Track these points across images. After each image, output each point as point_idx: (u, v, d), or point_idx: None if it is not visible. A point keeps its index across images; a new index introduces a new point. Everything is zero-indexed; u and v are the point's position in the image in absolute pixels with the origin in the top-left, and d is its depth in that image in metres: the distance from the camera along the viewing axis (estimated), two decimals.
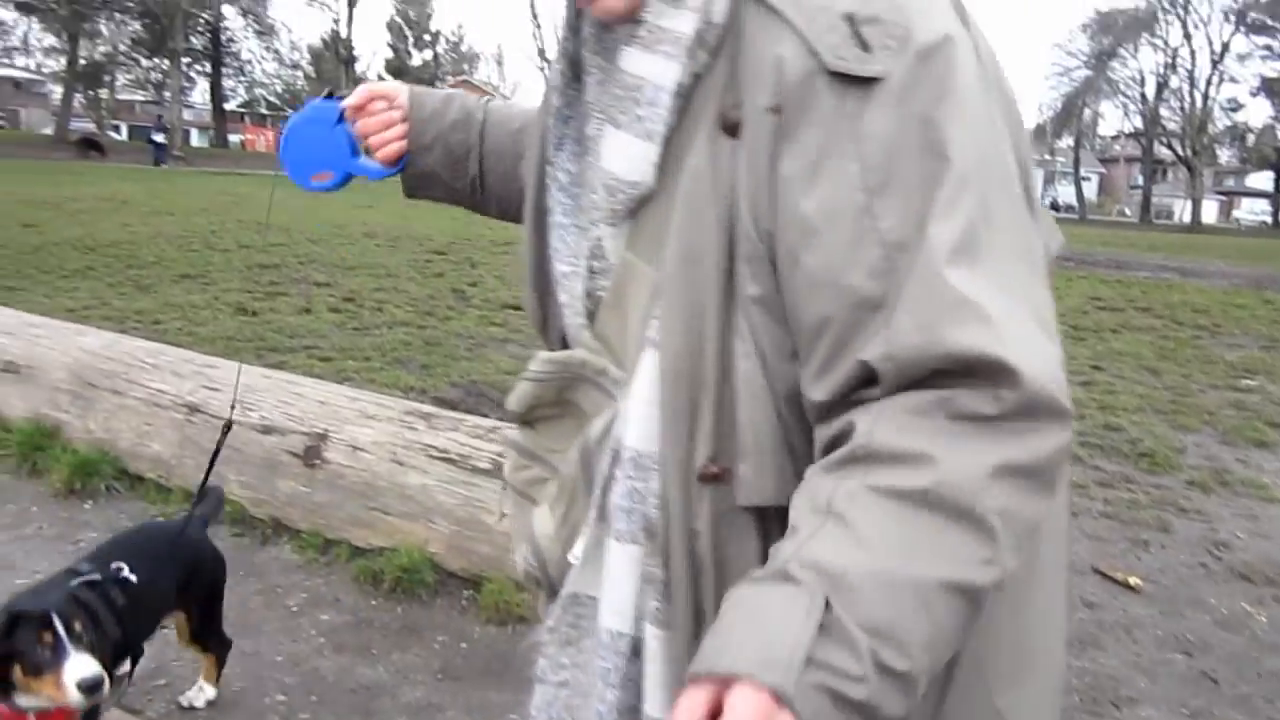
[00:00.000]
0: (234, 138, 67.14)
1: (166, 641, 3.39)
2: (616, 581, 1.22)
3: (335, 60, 59.95)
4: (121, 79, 65.78)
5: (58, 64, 59.27)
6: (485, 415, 4.99)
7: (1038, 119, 62.15)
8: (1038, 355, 0.94)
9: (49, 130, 50.64)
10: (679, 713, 0.87)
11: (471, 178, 1.53)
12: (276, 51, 68.14)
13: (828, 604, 0.85)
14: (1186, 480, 5.94)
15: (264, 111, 77.29)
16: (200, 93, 71.93)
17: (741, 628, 0.88)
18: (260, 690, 3.19)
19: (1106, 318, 12.09)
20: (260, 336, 7.96)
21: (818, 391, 1.00)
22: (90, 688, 2.04)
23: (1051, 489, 0.96)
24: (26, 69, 74.80)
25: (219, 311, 8.96)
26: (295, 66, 72.97)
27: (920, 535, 0.89)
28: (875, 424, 0.94)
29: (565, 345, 1.32)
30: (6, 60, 73.95)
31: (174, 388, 4.79)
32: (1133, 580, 4.46)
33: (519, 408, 1.37)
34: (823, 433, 1.01)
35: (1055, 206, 60.38)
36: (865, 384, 0.97)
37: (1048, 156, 68.80)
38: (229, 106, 69.43)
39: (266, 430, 4.41)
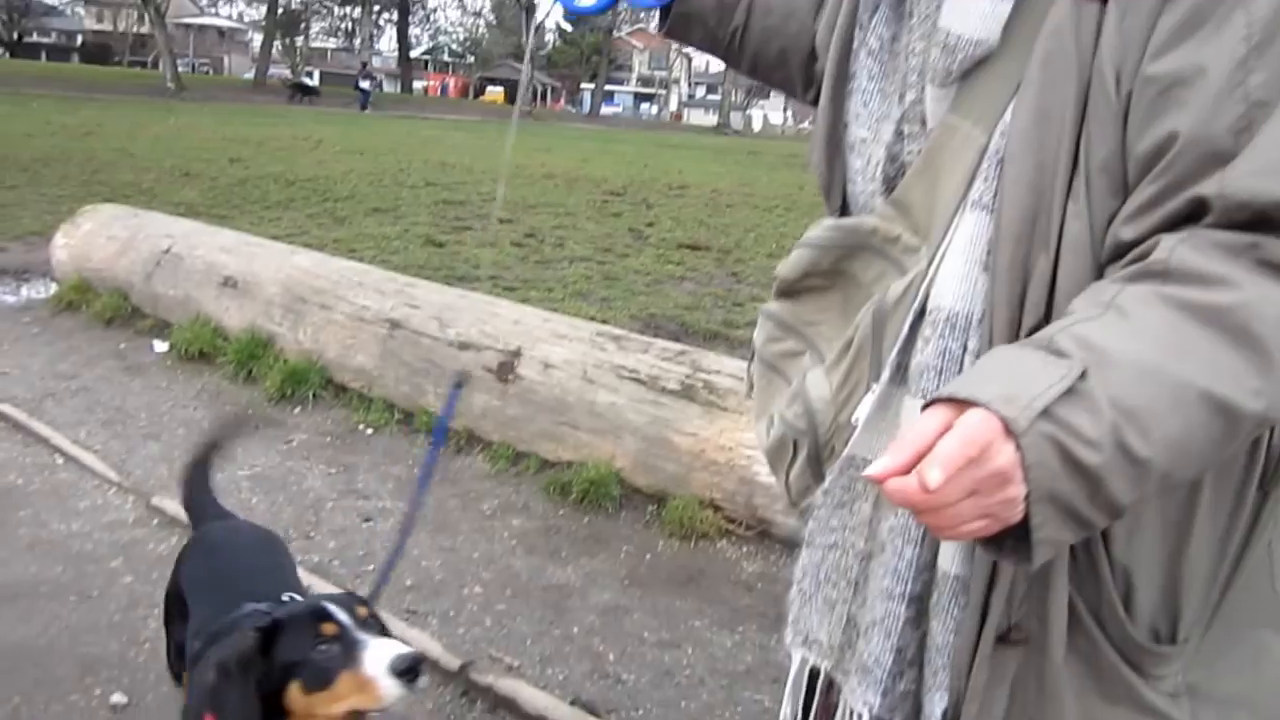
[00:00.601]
0: (418, 84, 69.29)
1: (373, 533, 3.64)
2: None
3: (517, 7, 60.84)
4: (316, 26, 68.79)
5: (258, 13, 62.50)
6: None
7: None
8: None
9: (249, 75, 53.46)
10: (914, 427, 0.90)
11: (734, 28, 1.54)
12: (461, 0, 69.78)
13: (1084, 374, 0.86)
14: None
15: (446, 59, 79.43)
16: (387, 40, 74.55)
17: (993, 370, 0.91)
18: (459, 582, 3.36)
19: None
20: (449, 266, 8.26)
21: (1130, 230, 1.00)
22: (409, 670, 1.51)
23: None
24: (230, 18, 79.15)
25: (409, 242, 9.33)
26: (477, 14, 74.60)
27: (1198, 344, 0.88)
28: (1180, 245, 0.94)
29: (847, 214, 1.34)
30: (212, 10, 78.37)
31: (377, 304, 5.04)
32: None
33: (792, 274, 1.39)
34: (1117, 265, 1.00)
35: None
36: (1180, 222, 0.97)
37: None
38: (414, 54, 71.65)
39: (464, 346, 4.60)
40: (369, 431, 4.72)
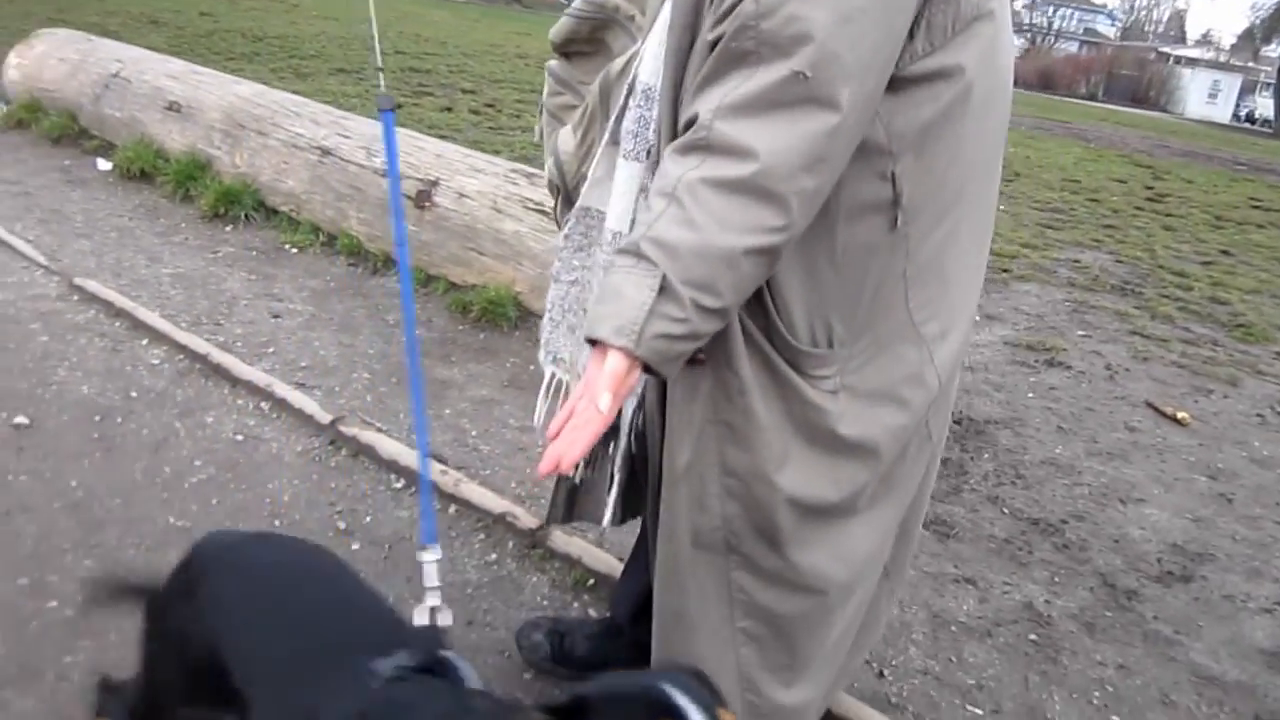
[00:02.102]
0: None
1: (279, 327, 3.92)
2: (621, 193, 1.56)
3: None
4: None
5: None
6: None
7: (1249, 20, 57.39)
8: None
9: None
10: (586, 377, 1.26)
11: None
12: None
13: (664, 275, 1.22)
14: (1276, 351, 5.89)
15: None
16: None
17: (607, 300, 1.24)
18: (350, 369, 3.68)
19: (1257, 215, 11.57)
20: (403, 125, 8.42)
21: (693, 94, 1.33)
22: None
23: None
24: None
25: (369, 102, 9.45)
26: None
27: (734, 213, 1.22)
28: (716, 121, 1.24)
29: None
30: None
31: (310, 133, 5.26)
32: (1181, 415, 4.58)
33: (557, 39, 1.73)
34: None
35: (1250, 119, 56.13)
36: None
37: (1251, 64, 63.55)
38: None
39: (386, 174, 4.84)
40: (293, 250, 4.98)
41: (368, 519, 2.70)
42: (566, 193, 1.81)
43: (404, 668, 1.16)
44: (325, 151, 5.10)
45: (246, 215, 5.28)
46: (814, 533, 1.58)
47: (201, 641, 1.25)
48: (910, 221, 1.43)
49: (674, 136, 1.39)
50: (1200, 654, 2.82)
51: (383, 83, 1.85)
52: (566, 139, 1.78)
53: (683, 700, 0.98)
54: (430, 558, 1.30)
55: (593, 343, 1.24)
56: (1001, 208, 9.13)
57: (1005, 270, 6.80)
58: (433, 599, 1.28)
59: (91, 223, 4.96)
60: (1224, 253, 8.74)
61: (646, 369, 1.26)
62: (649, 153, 1.50)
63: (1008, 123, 1.59)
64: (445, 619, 1.26)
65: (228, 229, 5.18)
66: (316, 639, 1.23)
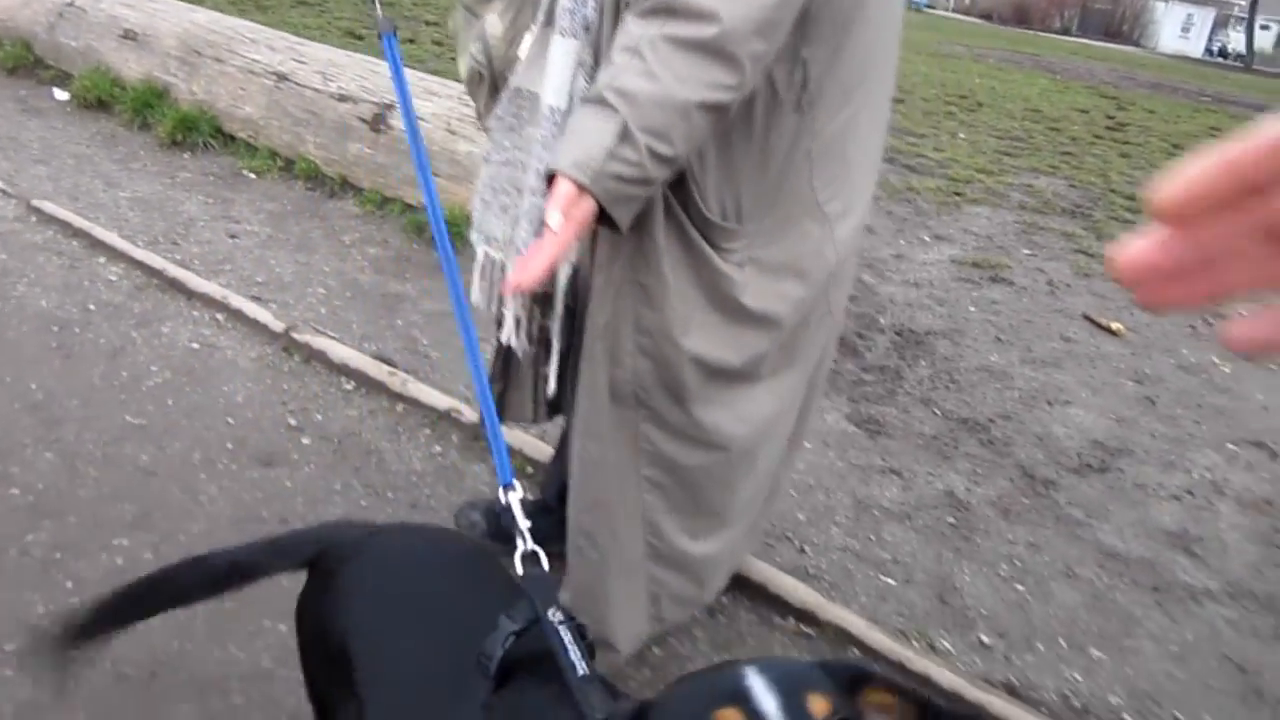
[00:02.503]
0: None
1: (236, 246, 4.00)
2: (557, 70, 1.67)
3: None
4: None
5: None
6: None
7: None
8: None
9: None
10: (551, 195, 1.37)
11: None
12: None
13: (625, 121, 1.33)
14: None
15: None
16: None
17: (572, 135, 1.36)
18: (305, 284, 3.79)
19: (1214, 144, 11.71)
20: (365, 53, 8.40)
21: None
22: None
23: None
24: None
25: (329, 34, 9.40)
26: None
27: (693, 70, 1.35)
28: None
29: None
30: None
31: (267, 59, 5.29)
32: (1116, 326, 4.76)
33: None
34: None
35: (1224, 53, 56.05)
36: None
37: None
38: None
39: (342, 99, 4.90)
40: (251, 175, 5.04)
41: (319, 417, 2.83)
42: (493, 79, 1.92)
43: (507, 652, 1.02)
44: (281, 77, 5.14)
45: (204, 142, 5.32)
46: (717, 393, 1.72)
47: (336, 637, 1.18)
48: (816, 104, 1.56)
49: (617, 8, 1.51)
50: (1108, 534, 3.00)
51: (379, 7, 1.90)
52: (494, 24, 1.88)
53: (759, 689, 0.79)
54: (515, 497, 1.21)
55: (551, 179, 1.36)
56: (961, 135, 9.26)
57: (958, 194, 6.92)
58: (522, 543, 1.15)
59: (49, 150, 5.00)
60: None
61: (600, 217, 1.38)
62: (587, 28, 1.61)
63: (903, 18, 1.73)
64: (541, 563, 1.13)
65: (185, 155, 5.22)
66: (433, 637, 1.13)
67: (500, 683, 0.99)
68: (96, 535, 2.22)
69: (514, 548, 1.16)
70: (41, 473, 2.40)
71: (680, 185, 1.59)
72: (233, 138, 5.36)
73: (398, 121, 4.68)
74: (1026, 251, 5.84)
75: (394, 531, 1.37)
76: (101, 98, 5.73)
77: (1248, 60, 50.54)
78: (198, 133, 5.32)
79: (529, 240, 1.75)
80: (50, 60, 6.28)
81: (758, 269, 1.70)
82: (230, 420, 2.75)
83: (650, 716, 0.83)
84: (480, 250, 1.95)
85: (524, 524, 1.18)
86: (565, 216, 1.34)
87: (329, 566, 1.26)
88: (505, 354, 2.11)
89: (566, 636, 1.01)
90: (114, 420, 2.67)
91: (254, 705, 1.84)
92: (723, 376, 1.74)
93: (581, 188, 1.34)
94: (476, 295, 1.90)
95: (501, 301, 1.88)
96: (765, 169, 1.63)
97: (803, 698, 0.77)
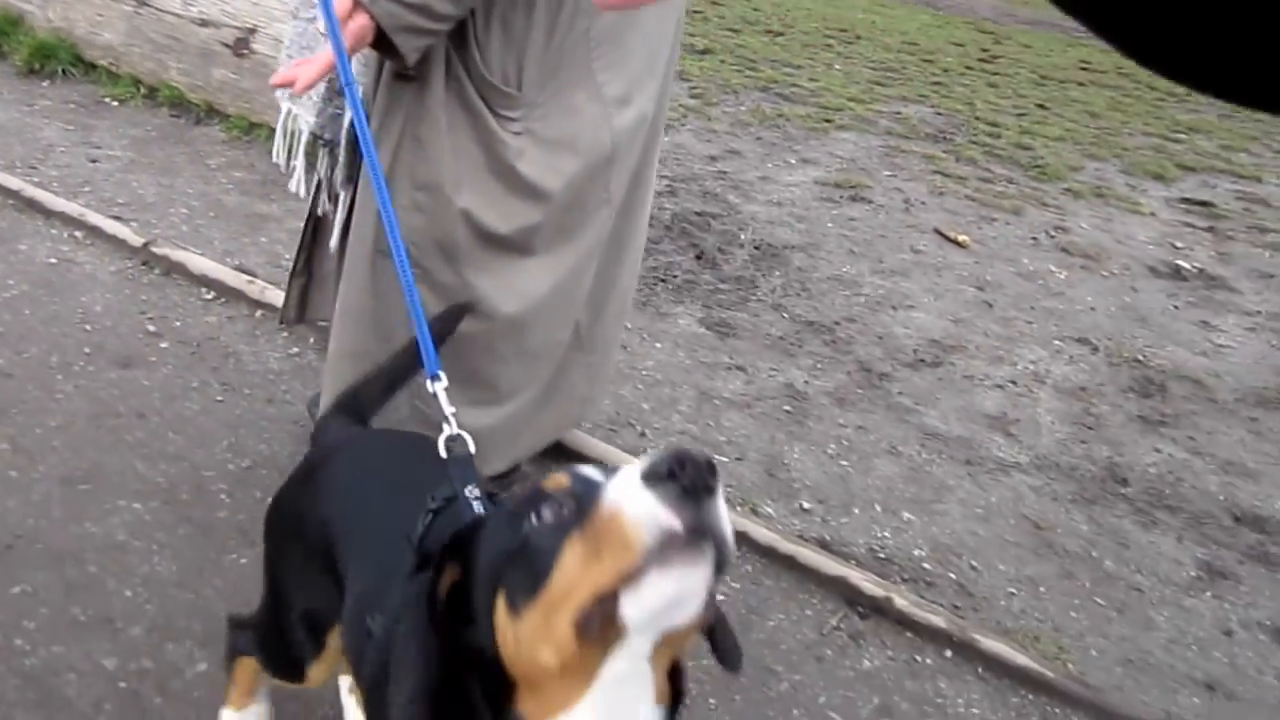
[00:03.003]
0: None
1: (97, 169, 3.99)
2: None
3: None
4: None
5: None
6: None
7: None
8: None
9: None
10: None
11: None
12: None
13: None
14: (1065, 188, 6.43)
15: None
16: None
17: None
18: (167, 204, 3.81)
19: (1082, 75, 12.21)
20: None
21: None
22: (675, 468, 0.78)
23: None
24: None
25: None
26: None
27: None
28: None
29: None
30: None
31: None
32: (962, 238, 5.05)
33: None
34: None
35: None
36: None
37: None
38: None
39: (204, 23, 4.86)
40: (114, 103, 4.98)
41: (178, 323, 2.91)
42: None
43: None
44: (141, 2, 5.06)
45: (64, 70, 5.21)
46: (488, 260, 1.87)
47: (316, 522, 1.29)
48: None
49: None
50: (933, 419, 3.27)
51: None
52: None
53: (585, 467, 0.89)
54: (440, 387, 1.28)
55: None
56: (837, 67, 9.49)
57: (828, 120, 7.15)
58: (447, 428, 1.20)
59: None
60: (1040, 106, 9.29)
61: (379, 42, 1.51)
62: None
63: None
64: (468, 446, 1.19)
65: (44, 84, 5.12)
66: (395, 512, 1.18)
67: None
68: None
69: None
70: None
71: (463, 45, 1.73)
72: (94, 66, 5.26)
73: (261, 45, 4.68)
74: (887, 173, 6.10)
75: (367, 434, 1.48)
76: None
77: None
78: (56, 60, 5.21)
79: (317, 87, 1.86)
80: None
81: (534, 140, 1.85)
82: (88, 328, 2.82)
83: (473, 532, 0.92)
84: (285, 107, 2.04)
85: (449, 410, 1.24)
86: (342, 25, 1.47)
87: (310, 465, 1.40)
88: (309, 251, 2.23)
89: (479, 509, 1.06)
90: None
91: (108, 573, 1.96)
92: (493, 243, 1.87)
93: (359, 4, 1.48)
94: (278, 152, 2.00)
95: (295, 155, 1.98)
96: (547, 42, 1.78)
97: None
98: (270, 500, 1.45)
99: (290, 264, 2.36)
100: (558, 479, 0.87)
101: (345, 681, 1.43)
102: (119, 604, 1.90)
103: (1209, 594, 2.62)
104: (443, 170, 1.77)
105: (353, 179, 1.95)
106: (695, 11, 11.31)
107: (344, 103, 1.85)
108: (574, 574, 0.78)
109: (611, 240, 2.11)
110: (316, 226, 2.24)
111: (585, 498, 0.81)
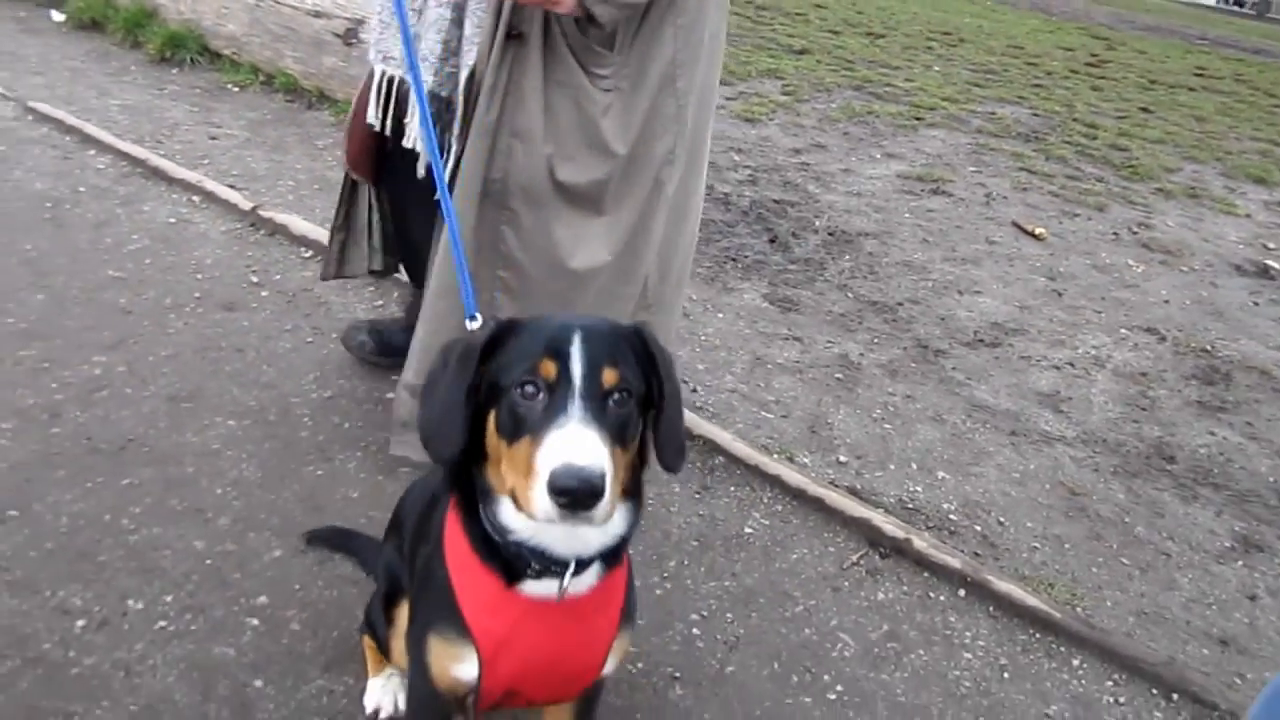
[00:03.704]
0: None
1: (215, 145, 4.35)
2: None
3: None
4: None
5: None
6: None
7: None
8: None
9: None
10: None
11: None
12: None
13: None
14: (1156, 187, 6.38)
15: None
16: None
17: None
18: (277, 175, 4.14)
19: (1194, 81, 11.93)
20: None
21: None
22: (567, 493, 1.04)
23: None
24: None
25: None
26: None
27: None
28: None
29: None
30: None
31: None
32: (1039, 231, 5.09)
33: None
34: None
35: (1239, 2, 55.32)
36: None
37: None
38: None
39: (316, 15, 5.23)
40: (234, 89, 5.39)
41: (277, 276, 3.21)
42: None
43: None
44: None
45: (191, 59, 5.65)
46: (563, 210, 2.08)
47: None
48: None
49: None
50: (983, 393, 3.38)
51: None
52: None
53: (575, 348, 1.12)
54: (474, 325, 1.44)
55: None
56: (935, 69, 9.51)
57: (918, 119, 7.22)
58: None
59: (46, 64, 5.34)
60: (1144, 110, 9.16)
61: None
62: None
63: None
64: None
65: (174, 71, 5.56)
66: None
67: None
68: (79, 354, 2.61)
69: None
70: (33, 308, 2.80)
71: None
72: (218, 55, 5.69)
73: (367, 35, 5.01)
74: (972, 169, 6.15)
75: None
76: (95, 18, 6.06)
77: (1260, 7, 49.96)
78: (185, 50, 5.65)
79: (435, 49, 2.09)
80: None
81: (620, 98, 2.06)
82: (199, 276, 3.14)
83: (504, 334, 1.20)
84: (379, 69, 2.25)
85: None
86: None
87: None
88: (347, 207, 2.46)
89: None
90: (97, 274, 3.05)
91: (203, 474, 2.24)
92: (567, 194, 2.09)
93: None
94: (372, 113, 2.23)
95: (389, 115, 2.21)
96: (642, 22, 2.00)
97: (602, 370, 1.12)
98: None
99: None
100: (547, 367, 1.12)
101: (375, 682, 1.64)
102: (210, 499, 2.17)
103: (1240, 563, 2.68)
104: (534, 120, 2.00)
105: (465, 132, 2.14)
106: (797, 14, 11.44)
107: (459, 61, 2.08)
108: (518, 462, 1.12)
109: (675, 202, 2.30)
110: (354, 185, 2.47)
111: (550, 412, 1.10)
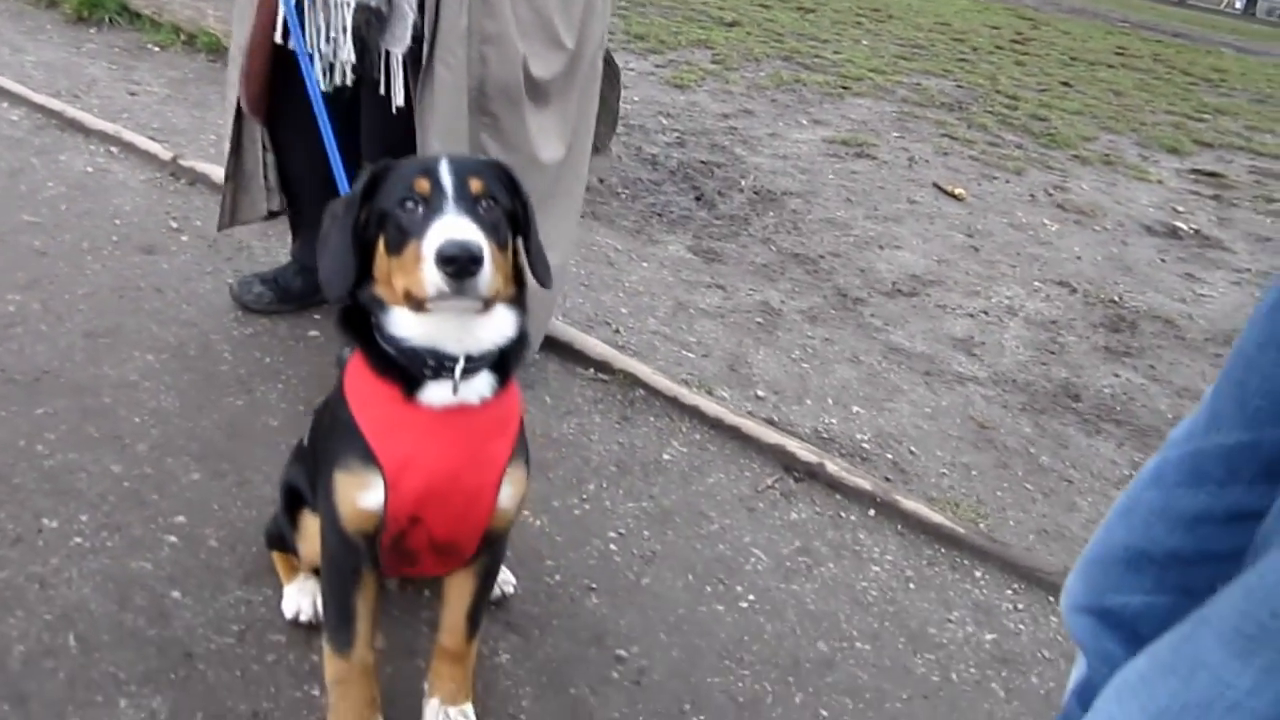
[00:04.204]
0: None
1: (134, 99, 4.28)
2: None
3: None
4: None
5: None
6: None
7: None
8: None
9: None
10: None
11: None
12: None
13: None
14: (1073, 155, 6.56)
15: None
16: None
17: None
18: (199, 130, 4.10)
19: (1115, 59, 12.23)
20: None
21: None
22: (451, 261, 1.19)
23: None
24: None
25: None
26: None
27: None
28: None
29: None
30: None
31: None
32: (959, 191, 5.23)
33: None
34: None
35: None
36: None
37: None
38: None
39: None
40: (155, 49, 5.29)
41: (198, 223, 3.19)
42: None
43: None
44: None
45: (110, 19, 5.54)
46: (531, 106, 2.16)
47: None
48: None
49: None
50: (900, 337, 3.47)
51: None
52: None
53: (443, 166, 1.29)
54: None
55: None
56: (864, 42, 9.64)
57: (845, 88, 7.33)
58: None
59: None
60: (1064, 84, 9.39)
61: None
62: None
63: None
64: None
65: (91, 30, 5.45)
66: None
67: None
68: None
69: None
70: None
71: None
72: (138, 15, 5.58)
73: None
74: (896, 134, 6.28)
75: None
76: None
77: None
78: (103, 9, 5.53)
79: None
80: None
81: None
82: (117, 222, 3.10)
83: (381, 174, 1.34)
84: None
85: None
86: None
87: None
88: (236, 155, 2.48)
89: None
90: (11, 219, 3.00)
91: (120, 404, 2.23)
92: (534, 90, 2.17)
93: None
94: (278, 34, 2.23)
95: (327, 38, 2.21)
96: None
97: (468, 180, 1.28)
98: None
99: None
100: (421, 184, 1.28)
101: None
102: (128, 427, 2.17)
103: None
104: (507, 23, 2.05)
105: (418, 39, 2.14)
106: None
107: None
108: (406, 265, 1.26)
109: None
110: (239, 132, 2.47)
111: (427, 217, 1.26)
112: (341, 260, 1.33)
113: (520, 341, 1.39)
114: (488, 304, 1.28)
